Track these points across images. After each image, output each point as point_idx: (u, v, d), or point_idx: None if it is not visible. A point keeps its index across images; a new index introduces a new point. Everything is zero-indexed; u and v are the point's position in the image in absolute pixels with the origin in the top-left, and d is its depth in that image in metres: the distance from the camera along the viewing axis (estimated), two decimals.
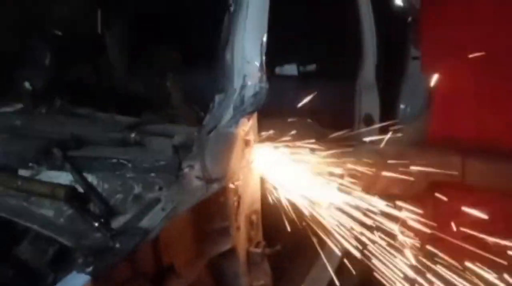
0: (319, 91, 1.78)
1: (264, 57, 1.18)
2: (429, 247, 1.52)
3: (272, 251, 1.26)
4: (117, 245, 0.91)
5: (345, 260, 1.61)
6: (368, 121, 2.17)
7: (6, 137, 1.34)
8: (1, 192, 1.12)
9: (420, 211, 1.45)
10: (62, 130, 1.27)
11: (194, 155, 1.07)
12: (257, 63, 1.18)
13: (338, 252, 1.79)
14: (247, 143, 1.15)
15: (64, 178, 1.12)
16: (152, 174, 1.06)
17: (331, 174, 1.31)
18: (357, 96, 2.21)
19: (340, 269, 2.07)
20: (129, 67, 2.58)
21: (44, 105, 1.60)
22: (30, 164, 1.20)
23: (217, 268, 1.21)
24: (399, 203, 1.45)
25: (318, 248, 1.47)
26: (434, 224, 1.47)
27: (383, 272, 1.42)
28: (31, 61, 2.18)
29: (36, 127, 1.36)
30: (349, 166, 1.39)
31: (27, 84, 1.90)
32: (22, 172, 1.18)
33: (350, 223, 1.32)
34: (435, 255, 1.49)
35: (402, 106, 2.33)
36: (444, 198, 1.64)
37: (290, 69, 2.69)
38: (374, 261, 1.43)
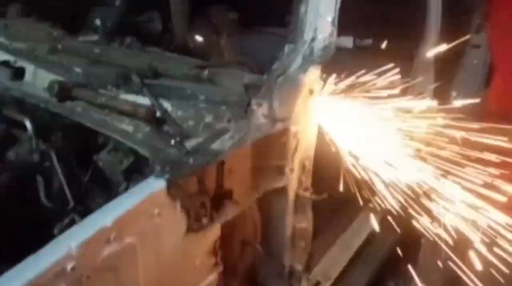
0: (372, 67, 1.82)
1: (337, 13, 1.25)
2: None
3: (318, 197, 1.35)
4: (190, 161, 1.02)
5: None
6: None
7: (88, 61, 1.46)
8: (85, 107, 1.25)
9: None
10: (139, 61, 1.38)
11: (262, 94, 1.16)
12: (330, 19, 1.25)
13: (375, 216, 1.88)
14: (311, 92, 1.22)
15: (141, 101, 1.23)
16: (223, 107, 1.16)
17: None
18: (412, 75, 2.23)
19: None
20: (188, 21, 2.68)
21: (116, 41, 1.71)
22: (109, 87, 1.32)
23: (267, 204, 1.31)
24: None
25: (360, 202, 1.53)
26: None
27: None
28: (103, 2, 2.30)
29: (114, 56, 1.48)
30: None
31: (97, 21, 2.03)
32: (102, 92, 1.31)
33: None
34: None
35: (454, 92, 2.35)
36: None
37: (346, 41, 2.71)
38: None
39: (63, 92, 1.25)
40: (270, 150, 1.20)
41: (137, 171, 1.14)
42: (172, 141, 1.06)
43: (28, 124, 1.24)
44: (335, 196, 1.48)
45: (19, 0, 1.99)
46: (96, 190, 1.24)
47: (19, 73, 1.50)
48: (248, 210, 1.24)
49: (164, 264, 1.05)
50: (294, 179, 1.28)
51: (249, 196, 1.21)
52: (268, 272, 1.43)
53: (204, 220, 1.11)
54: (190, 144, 1.07)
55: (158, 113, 1.15)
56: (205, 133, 1.12)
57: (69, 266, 0.83)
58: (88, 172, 1.23)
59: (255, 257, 1.38)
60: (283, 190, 1.28)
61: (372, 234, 2.18)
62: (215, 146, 1.07)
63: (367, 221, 2.20)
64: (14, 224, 1.26)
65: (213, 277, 1.23)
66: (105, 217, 0.89)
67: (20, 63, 1.53)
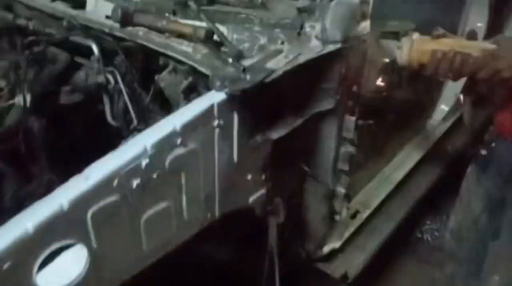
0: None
1: None
2: None
3: (364, 123, 1.41)
4: (247, 77, 1.09)
5: None
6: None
7: None
8: (146, 31, 1.33)
9: None
10: None
11: (316, 17, 1.20)
12: None
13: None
14: (363, 16, 1.25)
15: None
16: (277, 29, 1.21)
17: None
18: (465, 10, 2.17)
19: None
20: None
21: None
22: (167, 14, 1.39)
23: (315, 126, 1.38)
24: None
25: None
26: None
27: None
28: None
29: None
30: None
31: None
32: None
33: None
34: None
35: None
36: None
37: None
38: None
39: (126, 17, 1.33)
40: (321, 71, 1.26)
41: (195, 90, 1.23)
42: (230, 60, 1.13)
43: (94, 47, 1.34)
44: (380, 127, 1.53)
45: None
46: (157, 109, 1.34)
47: (81, 2, 1.59)
48: (297, 130, 1.32)
49: (221, 174, 1.15)
50: (342, 102, 1.34)
51: (299, 116, 1.28)
52: (312, 193, 1.52)
53: (258, 137, 1.20)
54: (246, 63, 1.14)
55: (215, 36, 1.22)
56: (260, 54, 1.18)
57: (143, 163, 0.94)
58: (149, 93, 1.33)
59: (302, 177, 1.47)
60: (331, 113, 1.34)
61: (414, 169, 2.24)
62: (270, 64, 1.13)
63: (410, 156, 2.26)
64: (83, 142, 1.41)
65: (261, 192, 1.33)
66: (174, 122, 0.99)
67: None
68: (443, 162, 2.40)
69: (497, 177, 1.42)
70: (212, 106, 1.05)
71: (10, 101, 1.28)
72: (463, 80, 1.50)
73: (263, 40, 1.21)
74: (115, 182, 0.91)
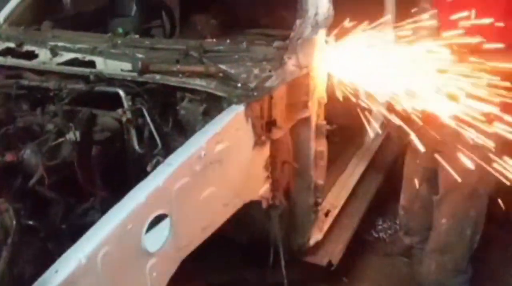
0: None
1: None
2: None
3: (330, 128, 1.89)
4: (255, 94, 1.53)
5: None
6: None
7: (144, 50, 1.94)
8: (163, 75, 1.73)
9: None
10: (184, 43, 1.88)
11: (290, 51, 1.70)
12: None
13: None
14: (321, 47, 1.77)
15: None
16: (264, 62, 1.69)
17: None
18: None
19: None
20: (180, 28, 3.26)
21: None
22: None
23: (296, 132, 1.84)
24: None
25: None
26: None
27: None
28: (120, 13, 2.78)
29: (164, 43, 1.97)
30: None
31: (119, 29, 2.51)
32: None
33: None
34: None
35: None
36: None
37: None
38: None
39: (144, 67, 1.73)
40: (298, 89, 1.74)
41: (211, 113, 1.63)
42: (239, 85, 1.58)
43: (121, 92, 1.70)
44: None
45: (51, 19, 2.44)
46: (177, 135, 1.71)
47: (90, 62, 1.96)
48: (285, 136, 1.76)
49: (244, 167, 1.54)
50: (313, 112, 1.82)
51: (286, 124, 1.73)
52: (299, 187, 1.95)
53: (263, 138, 1.63)
54: (251, 85, 1.59)
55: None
56: (257, 79, 1.64)
57: (202, 153, 1.32)
58: (169, 122, 1.71)
59: (291, 174, 1.89)
60: (307, 120, 1.81)
61: (363, 177, 2.75)
62: (267, 84, 1.59)
63: (357, 166, 2.79)
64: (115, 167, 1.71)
65: (266, 186, 1.74)
66: (215, 126, 1.39)
67: (88, 58, 1.99)
68: (382, 169, 2.95)
69: (427, 152, 1.95)
70: (236, 114, 1.47)
71: (60, 139, 1.59)
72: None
73: (256, 71, 1.67)
74: (187, 167, 1.27)
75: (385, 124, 3.01)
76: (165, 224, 1.23)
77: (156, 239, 1.21)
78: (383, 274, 2.71)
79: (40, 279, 0.97)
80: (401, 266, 2.56)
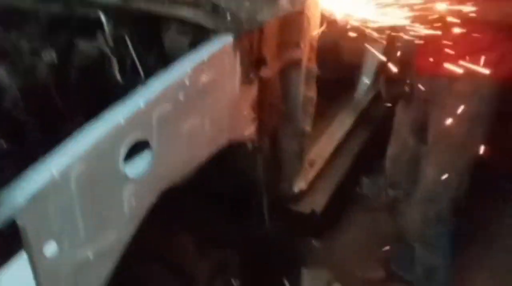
0: None
1: None
2: None
3: (320, 72, 1.84)
4: (245, 26, 1.46)
5: None
6: None
7: None
8: (149, 2, 1.63)
9: None
10: None
11: None
12: None
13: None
14: None
15: None
16: None
17: None
18: None
19: None
20: None
21: None
22: None
23: (286, 75, 1.78)
24: None
25: None
26: None
27: None
28: None
29: None
30: None
31: None
32: None
33: None
34: None
35: None
36: None
37: None
38: None
39: None
40: (291, 27, 1.66)
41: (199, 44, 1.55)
42: (228, 16, 1.49)
43: (103, 17, 1.61)
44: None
45: None
46: (161, 68, 1.64)
47: None
48: (274, 77, 1.70)
49: (230, 102, 1.49)
50: (305, 54, 1.76)
51: (276, 63, 1.67)
52: (286, 132, 1.91)
53: (251, 75, 1.56)
54: (240, 17, 1.51)
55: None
56: (246, 12, 1.55)
57: (187, 81, 1.26)
58: (154, 54, 1.63)
59: (278, 118, 1.84)
60: (298, 63, 1.75)
61: (350, 132, 2.73)
62: (259, 15, 1.51)
63: (345, 120, 2.75)
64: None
65: (253, 128, 1.69)
66: (202, 55, 1.32)
67: None
68: (370, 125, 2.93)
69: (419, 102, 1.92)
70: (224, 45, 1.40)
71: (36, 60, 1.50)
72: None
73: (247, 3, 1.58)
74: (169, 93, 1.21)
75: (377, 78, 2.98)
76: (146, 154, 1.18)
77: (136, 168, 1.16)
78: (365, 228, 2.75)
79: (11, 187, 0.92)
80: (383, 222, 2.59)
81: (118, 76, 1.63)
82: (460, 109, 1.76)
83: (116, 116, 1.08)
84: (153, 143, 1.19)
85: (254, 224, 2.00)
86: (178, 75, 1.23)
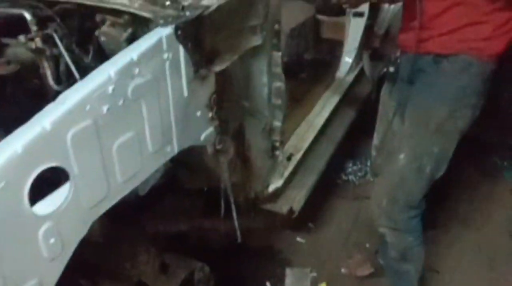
0: None
1: None
2: None
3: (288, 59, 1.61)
4: (187, 13, 1.22)
5: None
6: None
7: None
8: None
9: None
10: None
11: None
12: None
13: None
14: None
15: None
16: None
17: None
18: None
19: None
20: None
21: None
22: None
23: (246, 65, 1.55)
24: None
25: None
26: None
27: None
28: None
29: None
30: None
31: None
32: None
33: None
34: None
35: None
36: None
37: None
38: None
39: None
40: (246, 10, 1.42)
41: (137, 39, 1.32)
42: (167, 3, 1.26)
43: (27, 14, 1.37)
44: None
45: None
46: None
47: None
48: (232, 69, 1.47)
49: (174, 106, 1.26)
50: (267, 39, 1.52)
51: (232, 53, 1.43)
52: (253, 129, 1.69)
53: (203, 71, 1.33)
54: (182, 2, 1.27)
55: None
56: None
57: (110, 89, 1.03)
58: (89, 52, 1.40)
59: (241, 115, 1.63)
60: (259, 50, 1.52)
61: (332, 115, 2.51)
62: (204, 3, 1.27)
63: (326, 104, 2.53)
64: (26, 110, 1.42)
65: (210, 130, 1.47)
66: (131, 54, 1.09)
67: None
68: (354, 108, 2.71)
69: (402, 83, 1.70)
70: (160, 39, 1.16)
71: None
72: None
73: None
74: (88, 107, 0.99)
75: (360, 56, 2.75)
76: (64, 183, 0.97)
77: (52, 201, 0.95)
78: (350, 218, 2.57)
79: None
80: (369, 210, 2.41)
81: (51, 81, 1.40)
82: (446, 88, 1.55)
83: (12, 145, 0.86)
84: (71, 169, 0.97)
85: (225, 229, 1.82)
86: (97, 83, 1.01)
